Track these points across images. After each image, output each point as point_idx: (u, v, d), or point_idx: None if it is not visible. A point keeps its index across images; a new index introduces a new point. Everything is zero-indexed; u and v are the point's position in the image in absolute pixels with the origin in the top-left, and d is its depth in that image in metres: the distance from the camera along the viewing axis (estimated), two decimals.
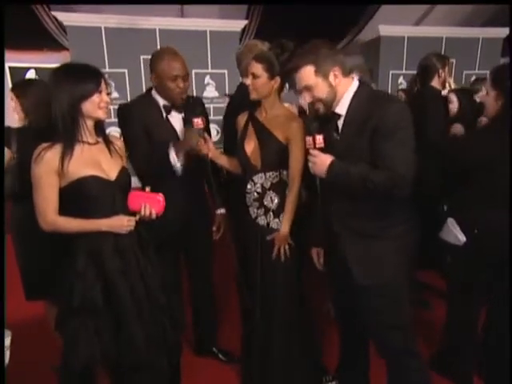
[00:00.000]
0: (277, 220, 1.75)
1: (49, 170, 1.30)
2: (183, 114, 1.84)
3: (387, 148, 1.32)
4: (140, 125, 1.75)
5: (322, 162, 1.41)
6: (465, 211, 1.72)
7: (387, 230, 1.46)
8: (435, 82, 2.53)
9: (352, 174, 1.37)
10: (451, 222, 1.73)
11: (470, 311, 1.87)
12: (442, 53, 6.21)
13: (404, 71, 6.40)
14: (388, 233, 1.46)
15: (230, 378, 2.07)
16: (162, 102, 1.81)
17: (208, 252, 2.12)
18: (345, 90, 1.43)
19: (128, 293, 1.40)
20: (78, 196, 1.36)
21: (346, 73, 1.44)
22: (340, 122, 1.47)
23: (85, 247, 1.39)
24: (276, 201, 1.74)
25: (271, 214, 1.75)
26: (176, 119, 1.84)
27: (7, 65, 7.32)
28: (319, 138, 1.41)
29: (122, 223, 1.38)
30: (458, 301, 1.88)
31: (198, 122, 1.66)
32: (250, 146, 1.76)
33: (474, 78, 6.71)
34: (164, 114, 1.81)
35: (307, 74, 1.41)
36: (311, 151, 1.43)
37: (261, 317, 1.82)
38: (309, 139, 1.43)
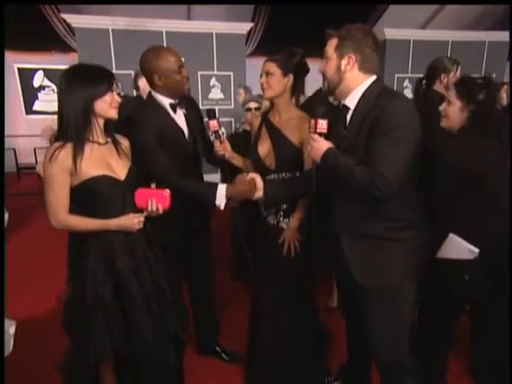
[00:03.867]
0: (286, 220, 1.76)
1: (62, 168, 1.32)
2: (184, 110, 1.86)
3: (377, 146, 1.25)
4: (151, 132, 1.69)
5: (320, 147, 1.36)
6: (468, 223, 1.58)
7: (395, 233, 1.40)
8: (437, 86, 2.52)
9: (338, 165, 1.31)
10: (455, 238, 1.58)
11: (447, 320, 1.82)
12: (448, 56, 6.29)
13: (409, 74, 6.40)
14: (396, 235, 1.40)
15: (233, 378, 2.08)
16: (167, 101, 1.78)
17: (208, 251, 2.14)
18: (357, 83, 1.38)
19: (138, 289, 1.43)
20: (89, 195, 1.38)
21: (365, 68, 1.36)
22: (348, 116, 1.41)
23: (96, 246, 1.41)
24: None
25: (281, 213, 1.76)
26: (180, 117, 1.85)
27: (16, 66, 7.43)
28: (322, 123, 1.36)
29: (132, 222, 1.40)
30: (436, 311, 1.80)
31: (214, 123, 1.71)
32: (264, 148, 1.78)
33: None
34: (172, 114, 1.80)
35: (330, 44, 1.39)
36: (311, 135, 1.38)
37: (267, 315, 1.84)
38: (312, 122, 1.39)
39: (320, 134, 1.38)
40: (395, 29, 6.19)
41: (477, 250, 1.55)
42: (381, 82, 1.42)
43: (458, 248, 1.57)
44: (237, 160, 1.90)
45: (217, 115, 1.79)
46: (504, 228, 1.54)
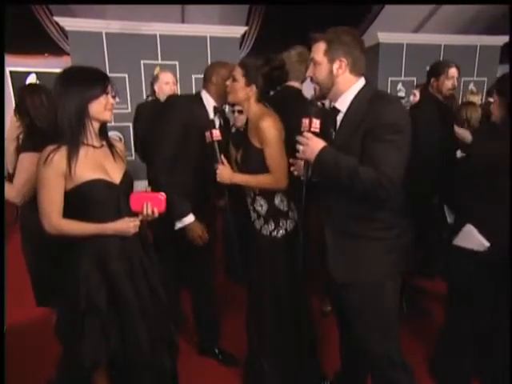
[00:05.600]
0: (266, 226, 1.76)
1: (57, 172, 1.31)
2: (222, 120, 2.02)
3: (377, 149, 1.28)
4: (181, 122, 1.84)
5: (314, 145, 1.36)
6: (485, 216, 1.65)
7: (378, 232, 1.43)
8: (431, 88, 2.59)
9: (340, 165, 1.32)
10: (470, 229, 1.67)
11: (474, 320, 1.84)
12: (440, 59, 6.35)
13: (403, 78, 6.44)
14: (378, 234, 1.43)
15: (232, 379, 2.07)
16: (212, 103, 1.94)
17: (209, 251, 2.14)
18: (348, 86, 1.39)
19: (133, 294, 1.41)
20: (84, 199, 1.36)
21: (355, 71, 1.38)
22: (339, 119, 1.43)
23: (90, 250, 1.39)
24: (264, 207, 1.75)
25: (262, 219, 1.76)
26: (216, 123, 1.94)
27: (8, 69, 7.37)
28: (316, 122, 1.37)
29: (127, 226, 1.39)
30: (463, 309, 1.85)
31: (217, 133, 1.73)
32: (239, 152, 1.82)
33: (472, 84, 6.82)
34: (211, 115, 1.94)
35: (318, 48, 1.39)
36: (305, 133, 1.38)
37: (254, 316, 1.86)
38: (305, 121, 1.39)
39: (313, 134, 1.38)
40: (388, 32, 6.23)
41: (487, 244, 1.62)
42: (371, 85, 1.44)
43: (471, 238, 1.66)
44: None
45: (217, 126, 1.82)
46: None
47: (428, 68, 2.64)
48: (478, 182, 1.68)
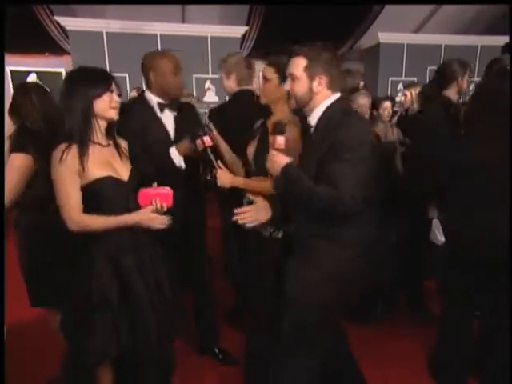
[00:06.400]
0: (264, 226, 1.74)
1: (71, 170, 1.33)
2: (176, 113, 1.87)
3: (334, 166, 1.30)
4: (137, 126, 1.77)
5: (280, 161, 1.41)
6: (444, 213, 1.81)
7: (339, 247, 1.42)
8: (451, 91, 2.34)
9: (302, 183, 1.36)
10: (435, 223, 1.82)
11: (462, 316, 1.87)
12: (441, 60, 6.36)
13: (403, 78, 6.45)
14: (339, 250, 1.42)
15: (230, 379, 2.07)
16: (156, 99, 1.82)
17: (203, 249, 2.14)
18: (322, 100, 1.42)
19: (143, 288, 1.43)
20: (95, 196, 1.38)
21: (333, 87, 1.41)
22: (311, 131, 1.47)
23: (102, 245, 1.41)
24: None
25: None
26: (168, 118, 1.87)
27: (9, 68, 7.37)
28: (280, 139, 1.43)
29: (148, 217, 1.42)
30: (448, 307, 1.91)
31: (208, 140, 1.68)
32: (251, 150, 1.80)
33: (472, 84, 6.82)
34: (158, 112, 1.83)
35: (298, 63, 1.40)
36: (271, 150, 1.45)
37: (249, 315, 1.88)
38: (271, 138, 1.46)
39: (278, 150, 1.43)
40: (389, 33, 6.24)
41: (442, 239, 1.77)
42: (343, 100, 1.46)
43: (432, 232, 1.87)
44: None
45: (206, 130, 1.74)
46: (489, 227, 1.60)
47: (455, 66, 2.33)
48: (447, 181, 1.77)
